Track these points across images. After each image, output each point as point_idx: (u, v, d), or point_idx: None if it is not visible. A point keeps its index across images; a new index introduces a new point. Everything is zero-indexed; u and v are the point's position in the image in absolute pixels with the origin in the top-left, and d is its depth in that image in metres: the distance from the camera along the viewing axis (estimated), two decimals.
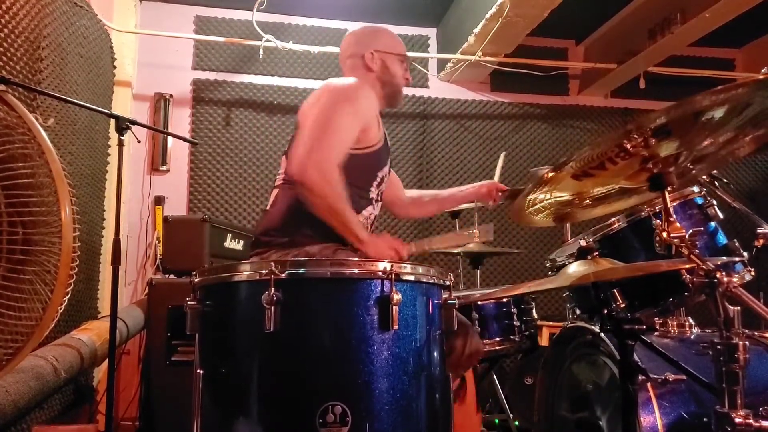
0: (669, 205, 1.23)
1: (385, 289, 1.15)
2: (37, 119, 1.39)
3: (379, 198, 1.91)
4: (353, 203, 1.78)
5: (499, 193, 2.22)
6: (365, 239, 1.62)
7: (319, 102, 1.74)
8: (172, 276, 2.77)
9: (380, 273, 1.16)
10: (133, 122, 2.21)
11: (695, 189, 1.84)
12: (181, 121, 3.95)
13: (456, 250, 2.85)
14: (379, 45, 1.96)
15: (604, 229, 1.85)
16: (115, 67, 3.51)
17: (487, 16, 3.37)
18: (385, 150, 1.92)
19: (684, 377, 1.46)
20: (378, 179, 1.87)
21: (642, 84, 4.15)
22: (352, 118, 1.72)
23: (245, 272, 1.19)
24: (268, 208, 1.84)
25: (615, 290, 1.48)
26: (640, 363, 1.40)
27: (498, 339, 2.35)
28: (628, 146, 1.16)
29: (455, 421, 1.32)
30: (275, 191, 1.84)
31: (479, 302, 2.32)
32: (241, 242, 3.05)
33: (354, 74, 1.94)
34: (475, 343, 1.60)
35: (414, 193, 2.35)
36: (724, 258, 1.75)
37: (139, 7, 3.94)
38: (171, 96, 3.92)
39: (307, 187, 1.57)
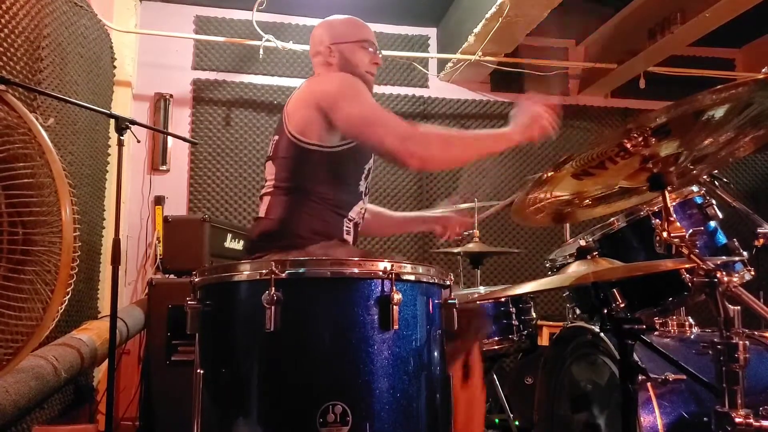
0: (669, 204, 1.23)
1: (385, 289, 1.15)
2: (37, 119, 1.39)
3: (367, 192, 1.91)
4: (344, 200, 1.80)
5: (456, 231, 2.10)
6: (509, 136, 1.71)
7: (340, 106, 1.71)
8: (172, 276, 2.77)
9: (380, 273, 1.16)
10: (133, 122, 2.21)
11: (695, 188, 1.84)
12: (181, 121, 3.95)
13: (456, 250, 2.85)
14: (335, 37, 1.93)
15: (603, 229, 1.85)
16: (115, 67, 3.51)
17: (487, 16, 3.37)
18: None
19: (684, 377, 1.45)
20: (365, 172, 1.87)
21: (642, 84, 4.15)
22: (371, 95, 1.76)
23: (245, 272, 1.19)
24: (261, 215, 1.81)
25: (615, 290, 1.47)
26: (640, 363, 1.40)
27: (496, 339, 2.36)
28: (628, 146, 1.16)
29: (463, 404, 1.31)
30: (266, 198, 1.81)
31: (477, 302, 2.32)
32: (241, 242, 3.05)
33: (319, 72, 1.94)
34: (479, 320, 1.61)
35: (373, 208, 2.18)
36: (724, 258, 1.75)
37: (139, 7, 3.94)
38: (171, 96, 3.92)
39: (426, 163, 1.65)
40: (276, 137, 1.86)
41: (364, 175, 1.86)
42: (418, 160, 1.62)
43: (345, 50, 1.91)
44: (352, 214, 1.82)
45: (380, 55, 2.00)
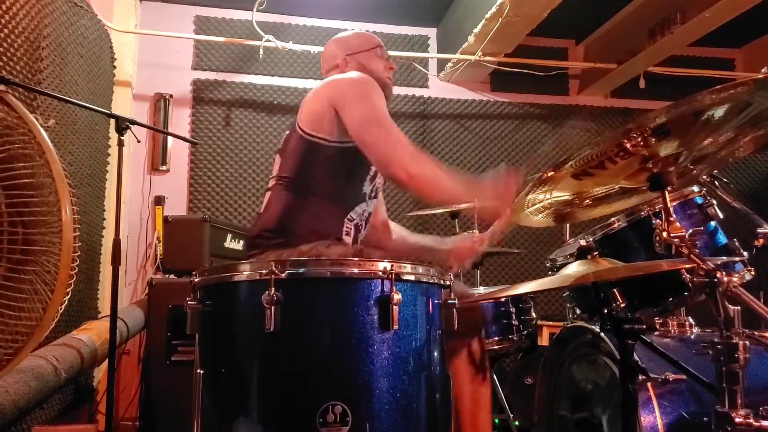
0: (669, 204, 1.23)
1: (385, 289, 1.15)
2: (37, 119, 1.39)
3: (373, 194, 1.91)
4: (346, 198, 1.80)
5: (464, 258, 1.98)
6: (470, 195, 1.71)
7: (351, 105, 1.72)
8: (172, 276, 2.77)
9: (380, 273, 1.16)
10: (133, 122, 2.21)
11: (695, 189, 1.84)
12: (181, 121, 3.95)
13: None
14: (349, 48, 1.96)
15: (604, 229, 1.85)
16: (115, 67, 3.51)
17: (487, 16, 3.37)
18: None
19: (684, 377, 1.45)
20: (371, 173, 1.87)
21: (642, 84, 4.15)
22: (384, 104, 1.76)
23: (245, 272, 1.19)
24: (261, 211, 1.83)
25: (615, 290, 1.47)
26: (640, 363, 1.40)
27: (496, 339, 2.35)
28: (628, 145, 1.16)
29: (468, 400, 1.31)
30: (268, 194, 1.84)
31: (475, 301, 2.32)
32: (241, 242, 3.05)
33: None
34: (477, 315, 1.61)
35: (399, 230, 2.20)
36: (724, 258, 1.74)
37: (139, 7, 3.94)
38: (171, 96, 3.93)
39: (413, 180, 1.63)
40: (288, 132, 1.88)
41: (369, 176, 1.86)
42: (406, 173, 1.62)
43: (361, 59, 1.94)
44: (353, 214, 1.82)
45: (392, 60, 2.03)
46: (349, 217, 1.81)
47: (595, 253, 1.43)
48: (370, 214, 1.93)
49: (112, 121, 2.19)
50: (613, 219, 1.83)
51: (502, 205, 1.65)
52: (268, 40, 3.77)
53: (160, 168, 3.86)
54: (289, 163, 1.80)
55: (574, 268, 1.42)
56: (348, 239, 1.81)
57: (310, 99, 1.83)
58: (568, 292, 2.08)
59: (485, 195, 1.68)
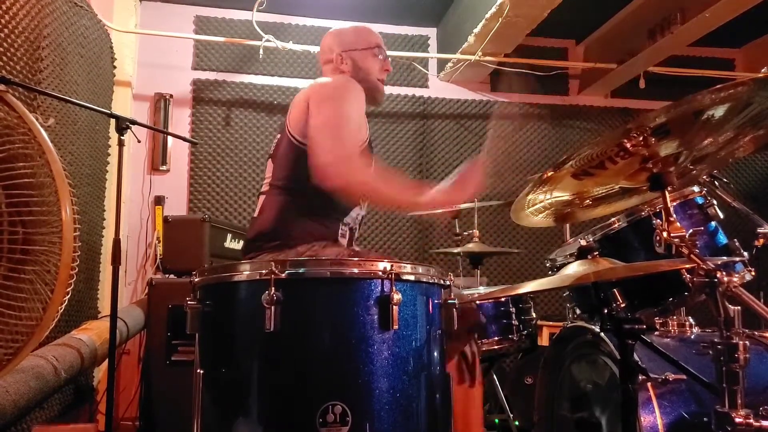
0: (669, 204, 1.23)
1: (385, 289, 1.16)
2: (37, 119, 1.39)
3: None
4: (340, 204, 1.79)
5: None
6: (428, 201, 1.68)
7: (319, 105, 1.71)
8: (172, 276, 2.77)
9: (380, 273, 1.16)
10: (133, 122, 2.21)
11: (695, 189, 1.84)
12: (181, 121, 3.95)
13: (456, 250, 2.85)
14: (345, 45, 1.92)
15: (604, 229, 1.85)
16: (115, 67, 3.51)
17: (487, 16, 3.37)
18: (370, 147, 1.91)
19: (684, 377, 1.45)
20: None
21: (642, 84, 4.15)
22: (357, 111, 1.73)
23: (245, 272, 1.20)
24: (255, 215, 1.82)
25: (615, 290, 1.47)
26: (640, 363, 1.40)
27: (496, 338, 2.36)
28: (628, 145, 1.16)
29: (460, 404, 1.32)
30: (261, 197, 1.82)
31: (477, 302, 2.32)
32: (241, 242, 3.05)
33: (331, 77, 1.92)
34: (471, 318, 1.60)
35: None
36: (725, 258, 1.74)
37: (139, 7, 3.94)
38: (171, 96, 3.92)
39: (343, 190, 1.62)
40: (279, 136, 1.87)
41: None
42: (331, 183, 1.59)
43: (356, 57, 1.91)
44: (347, 219, 1.82)
45: (389, 62, 2.00)
46: (344, 221, 1.81)
47: (595, 253, 1.43)
48: (363, 218, 1.93)
49: (112, 121, 2.19)
50: (613, 219, 1.83)
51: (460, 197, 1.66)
52: (268, 40, 3.77)
53: (160, 168, 3.86)
54: (281, 169, 1.79)
55: (574, 268, 1.42)
56: (343, 241, 1.81)
57: (296, 103, 1.82)
58: (568, 292, 2.08)
59: (438, 201, 1.68)
